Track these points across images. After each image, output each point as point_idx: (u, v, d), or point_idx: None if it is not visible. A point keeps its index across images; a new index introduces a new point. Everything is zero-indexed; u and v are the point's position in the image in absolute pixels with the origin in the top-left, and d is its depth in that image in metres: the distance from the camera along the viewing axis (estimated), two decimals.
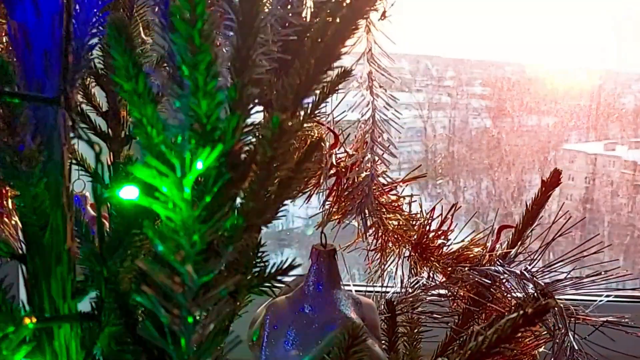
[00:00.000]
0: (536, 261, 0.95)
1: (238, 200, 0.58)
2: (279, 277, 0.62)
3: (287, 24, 0.67)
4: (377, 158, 0.89)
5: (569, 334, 0.84)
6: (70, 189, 0.65)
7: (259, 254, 0.70)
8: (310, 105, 0.78)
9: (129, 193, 0.52)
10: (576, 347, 0.83)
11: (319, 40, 0.65)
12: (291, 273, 0.65)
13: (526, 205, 0.99)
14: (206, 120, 0.51)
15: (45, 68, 0.62)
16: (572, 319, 0.87)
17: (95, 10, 0.66)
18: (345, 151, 0.93)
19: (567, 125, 1.86)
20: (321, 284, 0.85)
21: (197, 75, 0.48)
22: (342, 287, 0.87)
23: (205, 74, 0.48)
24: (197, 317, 0.52)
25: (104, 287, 0.58)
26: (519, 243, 0.97)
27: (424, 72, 2.03)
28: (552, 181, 0.98)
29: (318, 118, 0.92)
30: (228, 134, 0.55)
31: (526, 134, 1.90)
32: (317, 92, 0.79)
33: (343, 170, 0.93)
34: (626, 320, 0.87)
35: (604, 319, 0.87)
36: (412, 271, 1.00)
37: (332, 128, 0.92)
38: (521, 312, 0.57)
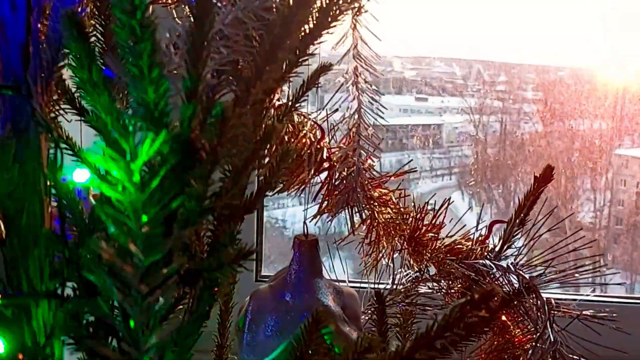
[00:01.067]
0: (523, 256, 0.96)
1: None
2: (233, 263, 0.63)
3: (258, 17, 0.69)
4: (363, 152, 0.91)
5: (548, 325, 0.85)
6: (68, 178, 0.68)
7: (235, 243, 0.73)
8: (293, 98, 0.81)
9: (80, 176, 0.55)
10: (552, 339, 0.84)
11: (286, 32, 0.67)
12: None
13: (519, 200, 1.00)
14: (153, 107, 0.53)
15: (21, 60, 0.65)
16: (553, 312, 0.88)
17: (72, 4, 0.69)
18: (338, 146, 0.96)
19: (620, 129, 1.85)
20: (302, 273, 0.88)
21: (141, 64, 0.51)
22: (323, 276, 0.90)
23: (148, 63, 0.51)
24: (146, 297, 0.54)
25: (66, 268, 0.61)
26: (510, 238, 0.98)
27: (476, 77, 2.04)
28: (545, 177, 0.99)
29: (306, 113, 0.94)
30: (184, 123, 0.58)
31: (578, 138, 1.90)
32: (298, 85, 0.82)
33: (335, 164, 0.95)
34: (606, 314, 0.87)
35: (586, 312, 0.87)
36: (406, 265, 1.02)
37: (319, 123, 0.94)
38: (468, 297, 0.59)
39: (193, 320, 0.77)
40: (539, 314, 0.88)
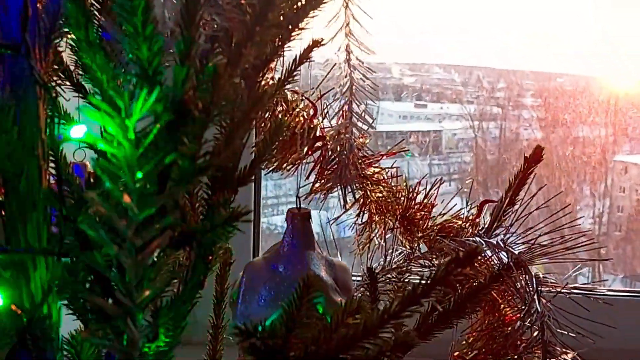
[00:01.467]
0: (515, 234, 0.98)
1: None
2: (226, 224, 0.65)
3: None
4: (355, 129, 0.93)
5: (535, 298, 0.87)
6: (62, 150, 0.69)
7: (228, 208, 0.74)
8: (285, 73, 0.83)
9: (77, 132, 0.57)
10: (539, 310, 0.86)
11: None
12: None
13: (509, 181, 1.02)
14: (147, 65, 0.55)
15: (20, 24, 0.67)
16: (540, 286, 0.90)
17: None
18: (330, 124, 0.97)
19: (619, 136, 1.86)
20: (295, 245, 0.90)
21: (135, 20, 0.53)
22: (315, 248, 0.91)
23: (142, 19, 0.53)
24: (140, 250, 0.56)
25: (63, 224, 0.63)
26: (500, 217, 1.00)
27: (476, 83, 2.05)
28: (534, 157, 1.01)
29: (300, 91, 0.96)
30: (178, 84, 0.60)
31: (577, 144, 1.90)
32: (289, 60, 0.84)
33: (328, 142, 0.97)
34: (593, 289, 0.89)
35: (571, 285, 0.89)
36: (398, 243, 1.04)
37: (310, 99, 0.96)
38: (454, 256, 0.61)
39: (188, 289, 0.79)
40: (527, 288, 0.90)
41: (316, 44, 0.82)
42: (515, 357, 0.90)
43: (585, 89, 1.83)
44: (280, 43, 0.80)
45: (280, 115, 0.91)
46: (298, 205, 0.93)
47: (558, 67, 1.88)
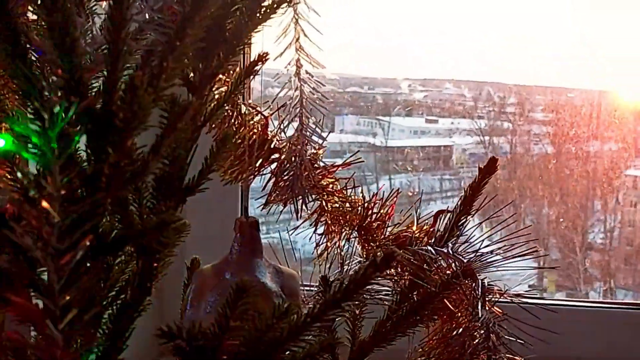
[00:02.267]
0: (468, 243, 1.00)
1: None
2: (155, 229, 0.67)
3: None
4: (305, 140, 0.96)
5: (479, 305, 0.89)
6: None
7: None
8: (231, 86, 0.85)
9: (1, 142, 0.60)
10: (484, 318, 0.88)
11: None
12: None
13: (464, 190, 1.04)
14: (70, 77, 0.58)
15: None
16: (488, 293, 0.92)
17: None
18: (285, 137, 1.00)
19: (631, 151, 1.87)
20: (242, 253, 0.92)
21: (55, 35, 0.56)
22: (262, 256, 0.94)
23: (62, 33, 0.55)
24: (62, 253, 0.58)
25: None
26: (455, 227, 1.02)
27: (486, 99, 2.06)
28: (489, 167, 1.03)
29: (254, 104, 0.99)
30: (104, 96, 0.62)
31: (588, 160, 1.91)
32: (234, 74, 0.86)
33: (283, 153, 1.00)
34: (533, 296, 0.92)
35: (515, 292, 0.92)
36: (356, 254, 1.06)
37: (264, 112, 0.99)
38: (371, 260, 0.63)
39: (136, 295, 0.81)
40: (474, 294, 0.92)
41: (261, 57, 0.85)
42: None
43: (596, 103, 1.84)
44: (224, 57, 0.83)
45: (226, 127, 0.94)
46: (246, 215, 0.95)
47: (569, 82, 1.89)
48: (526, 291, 0.96)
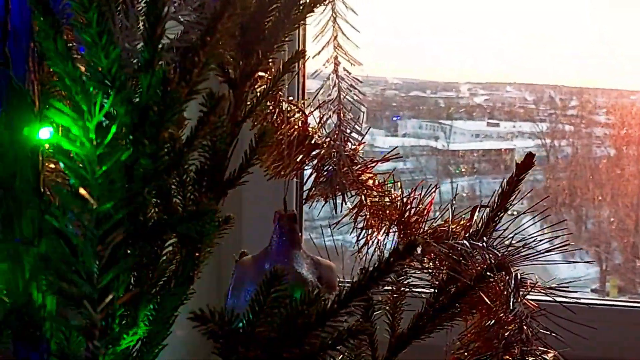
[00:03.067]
0: (505, 238, 1.01)
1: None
2: (193, 219, 0.71)
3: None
4: (344, 136, 0.98)
5: (512, 298, 0.91)
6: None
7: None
8: (270, 83, 0.88)
9: (44, 134, 0.64)
10: (516, 309, 0.89)
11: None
12: None
13: (500, 186, 1.05)
14: (106, 72, 0.61)
15: (14, 42, 0.73)
16: (522, 287, 0.94)
17: None
18: (326, 133, 1.03)
19: None
20: (280, 244, 0.95)
21: (91, 31, 0.59)
22: (300, 248, 0.97)
23: (97, 30, 0.59)
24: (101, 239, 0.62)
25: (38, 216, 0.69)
26: (492, 222, 1.03)
27: (548, 102, 2.06)
28: (526, 164, 1.04)
29: (296, 101, 1.02)
30: (143, 90, 0.66)
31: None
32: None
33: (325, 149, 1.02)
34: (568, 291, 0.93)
35: (548, 285, 0.93)
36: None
37: (301, 107, 1.01)
38: (395, 248, 0.65)
39: (178, 283, 0.85)
40: (509, 289, 0.93)
41: (299, 55, 0.87)
42: (496, 355, 0.93)
43: None
44: (263, 54, 0.86)
45: (266, 123, 0.97)
46: (285, 208, 0.98)
47: (632, 84, 1.87)
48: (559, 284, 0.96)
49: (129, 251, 0.69)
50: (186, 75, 0.64)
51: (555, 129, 2.05)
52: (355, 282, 0.66)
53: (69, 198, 0.60)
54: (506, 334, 0.91)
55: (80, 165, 0.61)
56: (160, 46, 0.66)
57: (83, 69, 0.63)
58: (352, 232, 1.09)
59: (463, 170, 2.09)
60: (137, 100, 0.64)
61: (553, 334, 0.95)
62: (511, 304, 0.90)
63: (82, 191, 0.59)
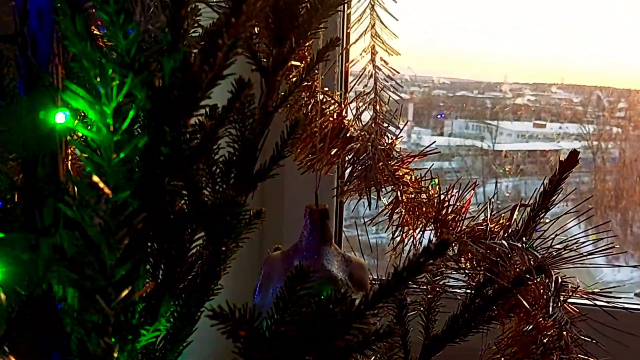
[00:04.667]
0: (546, 239, 0.97)
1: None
2: (224, 206, 0.68)
3: None
4: (381, 130, 0.94)
5: (551, 302, 0.87)
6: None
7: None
8: (303, 72, 0.85)
9: (60, 118, 0.61)
10: (557, 314, 0.85)
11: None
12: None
13: (543, 184, 1.01)
14: (125, 53, 0.58)
15: (39, 23, 0.71)
16: (563, 291, 0.89)
17: None
18: (362, 126, 0.99)
19: None
20: (311, 240, 0.92)
21: (108, 9, 0.56)
22: (332, 244, 0.93)
23: (114, 9, 0.56)
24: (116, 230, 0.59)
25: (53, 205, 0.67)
26: (533, 222, 0.99)
27: (596, 103, 2.03)
28: (570, 161, 1.00)
29: (331, 92, 0.98)
30: (166, 75, 0.63)
31: None
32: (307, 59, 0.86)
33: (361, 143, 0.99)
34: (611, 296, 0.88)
35: (591, 290, 0.88)
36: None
37: (337, 98, 0.98)
38: (425, 247, 0.62)
39: (205, 279, 0.82)
40: (548, 292, 0.89)
41: (333, 43, 0.84)
42: None
43: None
44: (296, 42, 0.82)
45: (299, 114, 0.93)
46: (316, 202, 0.95)
47: None
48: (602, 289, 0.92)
49: (149, 244, 0.66)
50: (210, 59, 0.60)
51: (602, 130, 2.01)
52: (384, 282, 0.63)
53: (84, 186, 0.57)
54: (545, 340, 0.86)
55: (97, 152, 0.58)
56: (184, 28, 0.62)
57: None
58: (387, 229, 1.05)
59: (507, 170, 2.05)
60: (158, 84, 0.61)
61: (594, 341, 0.90)
62: (550, 308, 0.86)
63: (95, 179, 0.56)
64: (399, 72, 0.95)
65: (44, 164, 0.72)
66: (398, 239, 1.04)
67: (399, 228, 1.03)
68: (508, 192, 2.01)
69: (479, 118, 2.09)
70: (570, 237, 0.97)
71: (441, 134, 2.08)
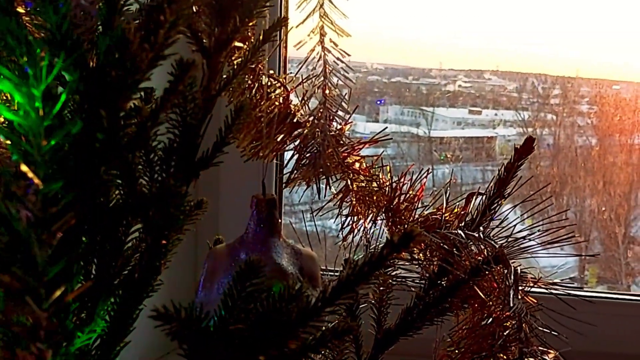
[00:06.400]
0: (501, 228, 0.94)
1: None
2: (157, 201, 0.62)
3: None
4: (329, 115, 0.90)
5: (511, 293, 0.83)
6: None
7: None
8: (249, 52, 0.80)
9: None
10: (516, 305, 0.82)
11: None
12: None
13: (498, 172, 0.98)
14: (55, 30, 0.53)
15: None
16: (522, 281, 0.86)
17: None
18: (309, 111, 0.94)
19: None
20: (258, 232, 0.87)
21: None
22: (280, 236, 0.88)
23: None
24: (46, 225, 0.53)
25: None
26: (488, 210, 0.96)
27: (530, 90, 2.04)
28: (525, 148, 0.97)
29: (276, 75, 0.93)
30: (100, 54, 0.57)
31: (633, 152, 1.88)
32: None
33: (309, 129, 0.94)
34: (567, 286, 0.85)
35: (549, 279, 0.85)
36: (383, 236, 1.00)
37: (282, 81, 0.93)
38: (389, 240, 0.57)
39: (142, 274, 0.76)
40: (506, 282, 0.85)
41: (280, 22, 0.79)
42: (493, 354, 0.86)
43: None
44: (240, 21, 0.77)
45: (243, 98, 0.88)
46: (263, 191, 0.90)
47: (614, 74, 1.86)
48: (562, 281, 0.89)
49: (84, 239, 0.61)
50: (151, 37, 0.55)
51: (537, 117, 2.03)
52: (342, 276, 0.58)
53: (10, 177, 0.52)
54: (505, 332, 0.83)
55: (24, 138, 0.52)
56: (121, 3, 0.57)
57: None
58: (335, 218, 1.01)
59: (444, 157, 2.04)
60: (92, 64, 0.55)
61: (553, 332, 0.87)
62: (511, 299, 0.82)
63: (24, 168, 0.50)
64: (349, 55, 0.90)
65: None
66: (348, 228, 0.99)
67: (349, 217, 0.99)
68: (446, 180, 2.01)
69: (414, 104, 2.09)
70: (527, 227, 0.94)
71: (376, 121, 2.09)
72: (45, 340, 0.53)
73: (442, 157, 2.07)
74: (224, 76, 0.78)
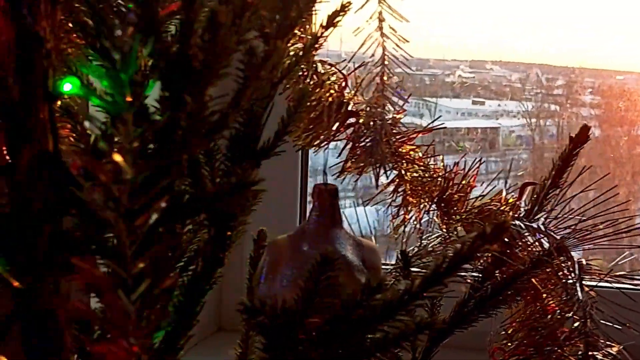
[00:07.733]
0: (559, 218, 0.92)
1: None
2: (234, 192, 0.61)
3: None
4: (387, 103, 0.88)
5: (578, 286, 0.81)
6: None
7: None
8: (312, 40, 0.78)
9: (69, 87, 0.53)
10: (581, 298, 0.80)
11: None
12: None
13: (552, 162, 0.96)
14: (143, 14, 0.51)
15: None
16: (584, 274, 0.84)
17: None
18: (364, 98, 0.92)
19: None
20: (321, 223, 0.85)
21: None
22: (342, 227, 0.87)
23: None
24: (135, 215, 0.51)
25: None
26: (542, 200, 0.94)
27: (534, 81, 2.03)
28: (581, 137, 0.95)
29: (329, 60, 0.91)
30: (182, 38, 0.55)
31: (637, 142, 1.88)
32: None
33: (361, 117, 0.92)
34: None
35: (618, 274, 0.83)
36: (434, 226, 0.98)
37: (343, 71, 0.91)
38: (480, 231, 0.55)
39: (207, 267, 0.75)
40: (569, 275, 0.84)
41: (344, 7, 0.77)
42: (556, 349, 0.84)
43: None
44: (304, 6, 0.75)
45: (303, 85, 0.86)
46: (325, 181, 0.88)
47: (618, 64, 1.85)
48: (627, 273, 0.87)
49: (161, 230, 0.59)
50: (235, 20, 0.53)
51: (541, 108, 2.03)
52: (433, 268, 0.56)
53: (98, 165, 0.50)
54: (574, 325, 0.81)
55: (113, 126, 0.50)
56: None
57: None
58: (387, 209, 0.99)
59: (447, 148, 2.04)
60: (176, 49, 0.53)
61: (615, 326, 0.85)
62: (578, 292, 0.80)
63: (116, 157, 0.48)
64: (408, 41, 0.88)
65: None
66: (400, 219, 0.98)
67: (401, 208, 0.97)
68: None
69: (417, 95, 2.06)
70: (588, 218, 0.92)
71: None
72: (133, 335, 0.52)
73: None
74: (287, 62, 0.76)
